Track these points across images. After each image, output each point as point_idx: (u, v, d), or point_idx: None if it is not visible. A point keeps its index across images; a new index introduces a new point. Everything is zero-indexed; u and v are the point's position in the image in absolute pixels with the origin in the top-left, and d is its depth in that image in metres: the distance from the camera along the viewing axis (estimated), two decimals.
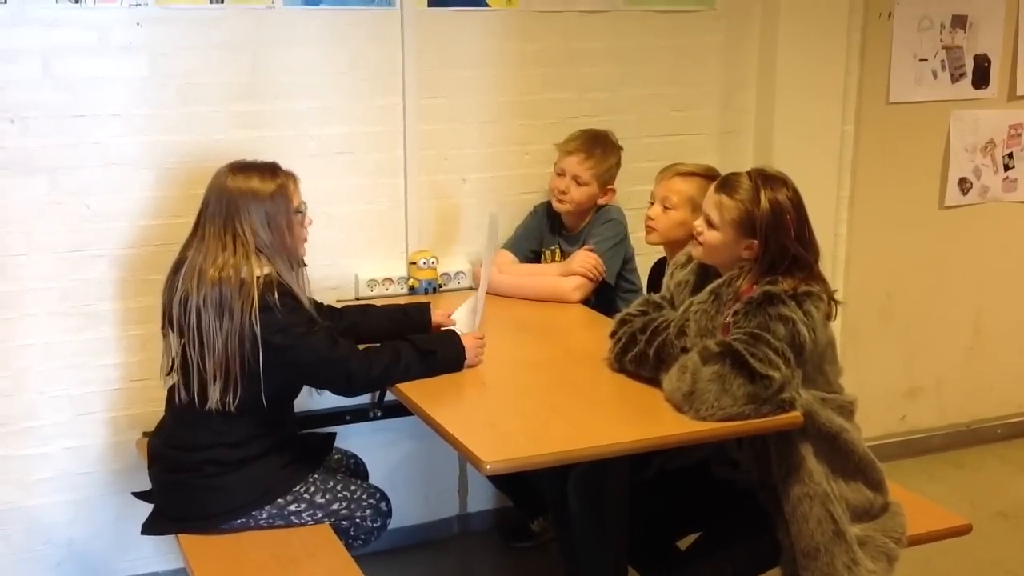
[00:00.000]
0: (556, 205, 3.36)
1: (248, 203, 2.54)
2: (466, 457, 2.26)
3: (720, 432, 2.34)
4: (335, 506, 2.69)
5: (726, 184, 2.52)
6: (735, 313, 2.42)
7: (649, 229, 3.09)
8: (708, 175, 3.01)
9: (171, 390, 2.70)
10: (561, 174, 3.31)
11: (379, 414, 3.35)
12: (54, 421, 3.11)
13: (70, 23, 2.92)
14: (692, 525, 2.75)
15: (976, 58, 4.04)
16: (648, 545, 2.73)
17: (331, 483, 2.73)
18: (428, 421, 2.43)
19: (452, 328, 2.83)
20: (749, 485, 2.56)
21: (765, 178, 2.48)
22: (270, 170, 2.60)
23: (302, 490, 2.68)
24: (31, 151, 2.95)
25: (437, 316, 2.94)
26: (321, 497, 2.68)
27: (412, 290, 3.38)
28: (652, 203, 3.08)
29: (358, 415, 3.31)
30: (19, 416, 3.07)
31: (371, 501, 2.76)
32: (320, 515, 2.67)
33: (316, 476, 2.72)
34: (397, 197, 3.37)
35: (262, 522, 2.63)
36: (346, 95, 3.25)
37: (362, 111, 3.28)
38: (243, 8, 3.08)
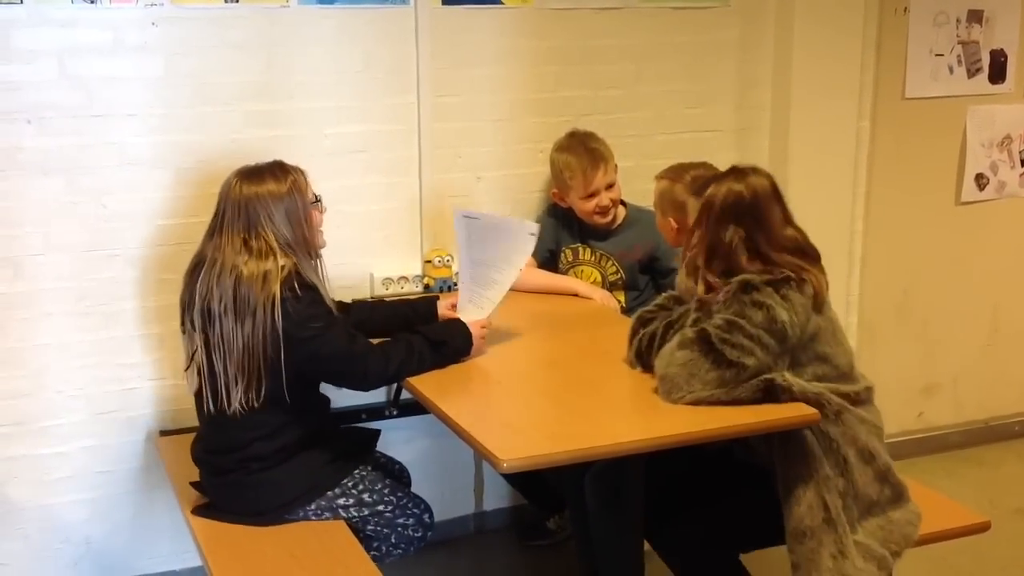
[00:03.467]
0: (601, 220, 3.34)
1: (267, 205, 2.56)
2: (482, 455, 2.26)
3: (739, 429, 2.33)
4: (380, 507, 2.72)
5: None
6: (716, 303, 2.43)
7: None
8: None
9: (197, 396, 2.70)
10: (594, 194, 3.30)
11: (395, 412, 3.36)
12: (71, 420, 3.12)
13: (86, 23, 2.94)
14: (703, 498, 2.71)
15: (992, 53, 4.02)
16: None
17: (379, 485, 2.75)
18: (444, 419, 2.43)
19: (457, 317, 2.82)
20: (764, 465, 2.55)
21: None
22: (280, 169, 2.63)
23: (350, 484, 2.70)
24: (48, 151, 2.96)
25: (443, 309, 2.94)
26: (369, 496, 2.71)
27: (427, 288, 3.38)
28: None
29: (373, 413, 3.31)
30: (37, 415, 3.09)
31: (415, 511, 2.79)
32: (366, 513, 2.70)
33: (363, 472, 2.74)
34: (412, 195, 3.37)
35: (311, 515, 2.65)
36: (361, 94, 3.25)
37: (376, 109, 3.28)
38: (258, 7, 3.09)
